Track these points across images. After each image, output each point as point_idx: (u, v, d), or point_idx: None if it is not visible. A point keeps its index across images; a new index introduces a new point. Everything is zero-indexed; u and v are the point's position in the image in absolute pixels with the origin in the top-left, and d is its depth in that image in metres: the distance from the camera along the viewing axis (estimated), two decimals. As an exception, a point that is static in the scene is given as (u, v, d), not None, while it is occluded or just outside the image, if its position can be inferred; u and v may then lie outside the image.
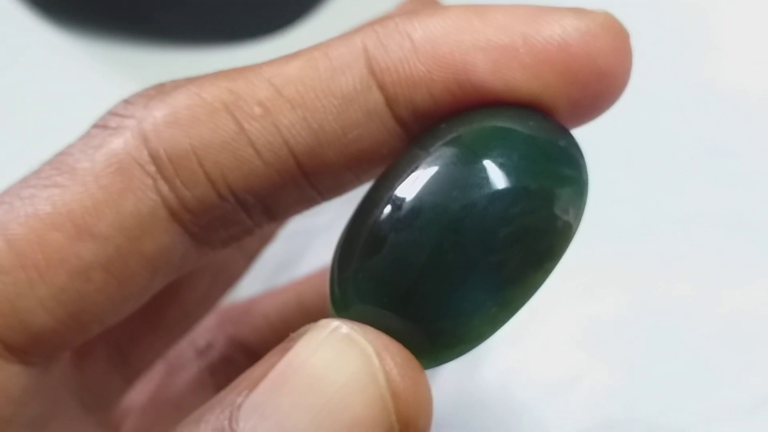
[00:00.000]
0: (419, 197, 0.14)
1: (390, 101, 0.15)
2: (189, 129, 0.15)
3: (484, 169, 0.14)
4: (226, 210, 0.15)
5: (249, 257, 0.22)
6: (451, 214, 0.13)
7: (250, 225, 0.16)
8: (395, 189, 0.14)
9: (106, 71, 0.38)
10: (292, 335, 0.14)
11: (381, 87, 0.15)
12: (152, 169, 0.15)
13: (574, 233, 0.15)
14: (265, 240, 0.22)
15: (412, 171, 0.14)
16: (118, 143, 0.15)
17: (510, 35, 0.14)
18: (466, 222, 0.13)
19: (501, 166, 0.14)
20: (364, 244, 0.14)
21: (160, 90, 0.16)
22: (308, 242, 0.33)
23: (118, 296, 0.15)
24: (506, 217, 0.13)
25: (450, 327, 0.14)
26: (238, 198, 0.15)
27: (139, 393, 0.22)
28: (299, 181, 0.15)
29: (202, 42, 0.39)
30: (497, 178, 0.14)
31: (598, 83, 0.15)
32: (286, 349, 0.14)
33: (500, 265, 0.14)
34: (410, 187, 0.14)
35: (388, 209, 0.14)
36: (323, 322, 0.14)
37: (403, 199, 0.14)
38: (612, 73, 0.15)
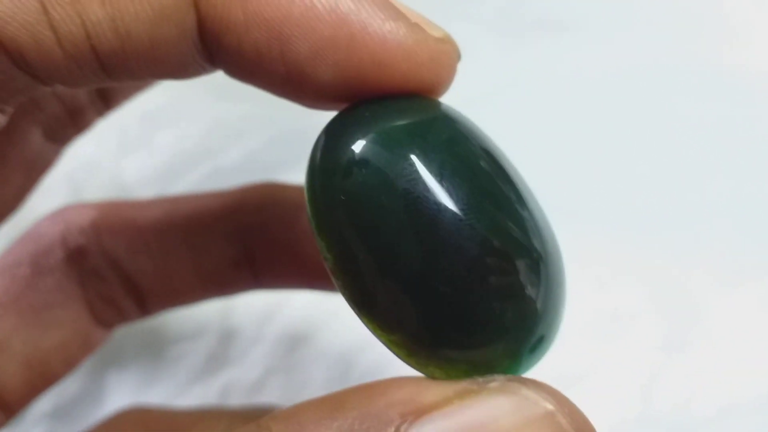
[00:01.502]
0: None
1: (200, 27, 0.15)
2: None
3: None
4: (25, 80, 0.15)
5: (58, 147, 0.22)
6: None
7: (46, 90, 0.16)
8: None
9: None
10: (479, 379, 0.13)
11: (196, 9, 0.15)
12: None
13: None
14: (78, 129, 0.22)
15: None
16: None
17: (338, 29, 0.14)
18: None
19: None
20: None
21: None
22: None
23: None
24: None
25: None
26: (35, 74, 0.15)
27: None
28: (97, 72, 0.15)
29: None
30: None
31: (414, 87, 0.15)
32: (470, 392, 0.13)
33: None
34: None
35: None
36: (532, 394, 0.13)
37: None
38: (432, 86, 0.15)
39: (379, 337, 0.14)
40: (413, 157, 0.13)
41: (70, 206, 0.22)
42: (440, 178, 0.13)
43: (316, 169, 0.14)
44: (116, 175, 0.32)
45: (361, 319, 0.14)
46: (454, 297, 0.13)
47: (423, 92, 0.15)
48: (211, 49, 0.15)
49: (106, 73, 0.15)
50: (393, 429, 0.12)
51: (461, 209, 0.13)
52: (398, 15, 0.14)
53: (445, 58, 0.15)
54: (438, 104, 0.15)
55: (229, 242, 0.21)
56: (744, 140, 0.33)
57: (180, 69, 0.16)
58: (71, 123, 0.21)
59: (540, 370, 0.28)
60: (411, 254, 0.13)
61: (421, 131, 0.14)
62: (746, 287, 0.30)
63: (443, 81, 0.15)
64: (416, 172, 0.13)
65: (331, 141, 0.14)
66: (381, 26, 0.14)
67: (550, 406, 0.13)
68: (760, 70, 0.35)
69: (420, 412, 0.13)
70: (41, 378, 0.21)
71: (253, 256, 0.21)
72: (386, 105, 0.15)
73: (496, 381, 0.13)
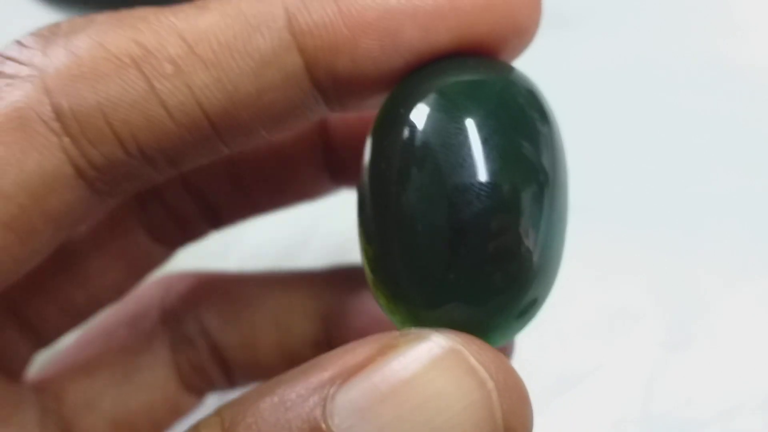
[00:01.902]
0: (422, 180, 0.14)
1: (309, 65, 0.15)
2: (96, 84, 0.14)
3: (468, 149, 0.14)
4: (134, 166, 0.15)
5: (166, 250, 0.22)
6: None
7: (156, 177, 0.16)
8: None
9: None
10: (396, 333, 0.14)
11: (301, 50, 0.14)
12: (57, 125, 0.14)
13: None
14: (187, 237, 0.22)
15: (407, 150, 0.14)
16: (19, 96, 0.14)
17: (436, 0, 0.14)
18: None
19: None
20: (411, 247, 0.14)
21: (56, 32, 0.15)
22: (313, 227, 0.32)
23: (21, 253, 0.15)
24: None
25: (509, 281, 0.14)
26: (146, 155, 0.15)
27: (90, 349, 0.21)
28: (210, 138, 0.15)
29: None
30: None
31: (515, 37, 0.15)
32: (390, 347, 0.13)
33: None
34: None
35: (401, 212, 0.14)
36: (437, 336, 0.13)
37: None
38: (527, 28, 0.15)
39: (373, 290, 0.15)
40: (460, 118, 0.14)
41: (173, 274, 0.22)
42: (476, 140, 0.14)
43: (381, 110, 0.15)
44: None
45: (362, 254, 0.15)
46: (448, 249, 0.14)
47: (523, 29, 0.15)
48: (325, 83, 0.15)
49: (219, 137, 0.15)
50: (323, 394, 0.13)
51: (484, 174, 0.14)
52: None
53: None
54: (504, 66, 0.15)
55: (311, 323, 0.21)
56: (748, 136, 0.33)
57: (290, 115, 0.15)
58: (177, 229, 0.21)
59: (541, 367, 0.28)
60: (417, 199, 0.14)
61: (479, 94, 0.14)
62: (749, 285, 0.29)
63: (538, 9, 0.15)
64: (458, 130, 0.14)
65: (399, 90, 0.15)
66: None
67: (458, 345, 0.13)
68: (763, 66, 0.35)
69: (347, 374, 0.13)
70: None
71: (331, 340, 0.21)
72: (455, 65, 0.15)
73: (412, 333, 0.14)
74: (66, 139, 0.14)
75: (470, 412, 0.13)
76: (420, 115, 0.14)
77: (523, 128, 0.14)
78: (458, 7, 0.14)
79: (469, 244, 0.14)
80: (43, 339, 0.20)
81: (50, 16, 0.39)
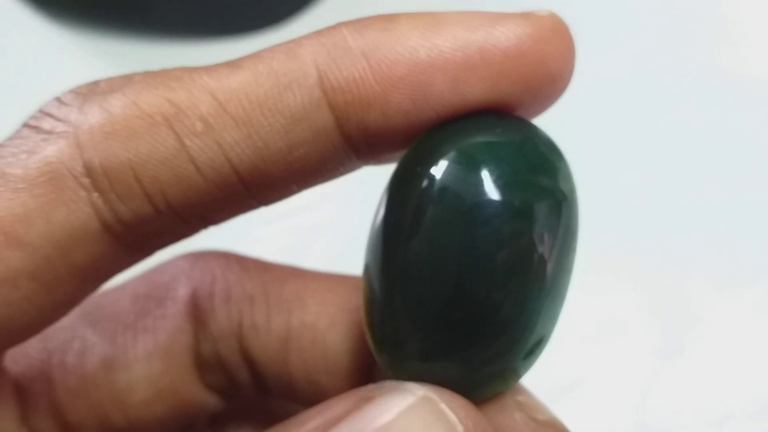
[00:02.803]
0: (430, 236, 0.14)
1: (340, 121, 0.15)
2: (127, 141, 0.14)
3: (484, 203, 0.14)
4: (163, 222, 0.15)
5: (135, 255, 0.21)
6: (460, 249, 0.14)
7: (186, 232, 0.16)
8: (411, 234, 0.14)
9: (101, 64, 0.38)
10: (372, 386, 0.14)
11: (332, 106, 0.15)
12: (86, 180, 0.14)
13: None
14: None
15: (418, 210, 0.14)
16: (52, 150, 0.14)
17: (466, 50, 0.14)
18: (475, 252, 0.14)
19: (499, 187, 0.14)
20: (397, 298, 0.14)
21: (95, 90, 0.15)
22: (312, 239, 0.32)
23: (46, 304, 0.15)
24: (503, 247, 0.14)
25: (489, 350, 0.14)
26: (175, 211, 0.15)
27: None
28: (240, 194, 0.15)
29: (198, 35, 0.39)
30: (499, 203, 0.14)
31: (549, 86, 0.15)
32: (366, 399, 0.14)
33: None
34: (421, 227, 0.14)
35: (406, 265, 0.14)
36: (411, 385, 0.14)
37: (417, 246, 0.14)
38: (561, 75, 0.15)
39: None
40: (477, 175, 0.14)
41: (203, 251, 0.21)
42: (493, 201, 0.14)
43: (403, 160, 0.15)
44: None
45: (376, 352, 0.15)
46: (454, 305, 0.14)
47: (557, 76, 0.15)
48: (356, 138, 0.15)
49: (249, 192, 0.15)
50: None
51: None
52: (503, 15, 0.15)
53: (564, 31, 0.15)
54: (519, 123, 0.15)
55: (351, 339, 0.20)
56: (739, 146, 0.33)
57: (321, 170, 0.15)
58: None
59: (533, 377, 0.28)
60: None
61: (499, 154, 0.14)
62: (742, 293, 0.30)
63: (570, 54, 0.15)
64: (476, 187, 0.14)
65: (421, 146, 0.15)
66: (504, 28, 0.15)
67: (429, 394, 0.14)
68: (757, 76, 0.35)
69: (325, 428, 0.14)
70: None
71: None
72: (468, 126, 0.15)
73: (387, 385, 0.14)
74: (95, 194, 0.14)
75: None
76: (438, 172, 0.14)
77: (541, 174, 0.14)
78: (489, 58, 0.14)
79: (475, 293, 0.14)
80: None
81: (42, 25, 0.39)
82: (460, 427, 0.14)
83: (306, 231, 0.33)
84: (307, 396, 0.18)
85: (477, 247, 0.13)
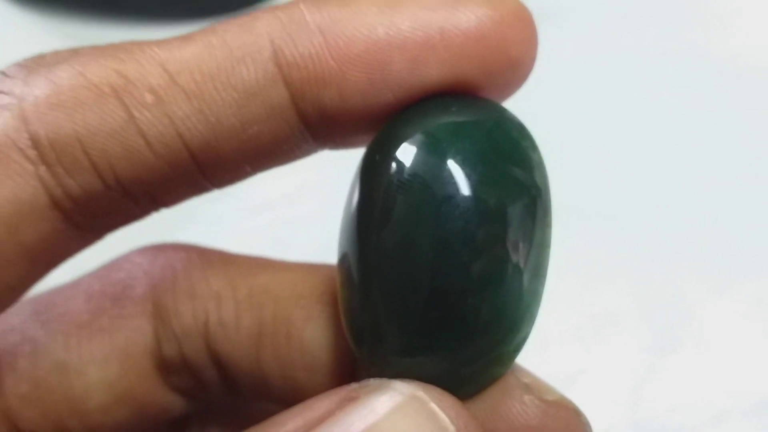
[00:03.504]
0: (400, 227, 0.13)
1: (296, 98, 0.14)
2: (74, 113, 0.14)
3: (451, 188, 0.13)
4: (112, 199, 0.15)
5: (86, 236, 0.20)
6: (429, 243, 0.13)
7: (137, 212, 0.15)
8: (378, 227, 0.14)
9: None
10: (354, 385, 0.14)
11: (287, 83, 0.14)
12: (33, 153, 0.14)
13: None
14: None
15: (386, 201, 0.14)
16: None
17: (426, 30, 0.14)
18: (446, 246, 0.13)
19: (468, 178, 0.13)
20: (375, 292, 0.14)
21: (40, 62, 0.15)
22: (293, 233, 0.32)
23: None
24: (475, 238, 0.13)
25: (474, 347, 0.14)
26: (125, 188, 0.14)
27: None
28: (192, 172, 0.15)
29: (170, 17, 0.38)
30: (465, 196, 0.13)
31: (509, 71, 0.15)
32: (350, 399, 0.13)
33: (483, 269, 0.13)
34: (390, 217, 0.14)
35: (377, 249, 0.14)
36: (398, 384, 0.14)
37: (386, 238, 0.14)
38: (522, 61, 0.15)
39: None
40: (449, 163, 0.13)
41: (163, 244, 0.20)
42: (464, 184, 0.13)
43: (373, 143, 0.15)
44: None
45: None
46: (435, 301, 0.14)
47: (518, 60, 0.15)
48: (312, 117, 0.15)
49: (201, 171, 0.15)
50: None
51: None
52: None
53: (526, 16, 0.15)
54: (489, 106, 0.15)
55: (334, 335, 0.19)
56: (733, 137, 0.33)
57: (276, 150, 0.15)
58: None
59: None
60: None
61: (463, 134, 0.14)
62: (735, 289, 0.29)
63: (533, 39, 0.15)
64: (448, 178, 0.13)
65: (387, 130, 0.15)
66: (465, 10, 0.14)
67: (418, 392, 0.13)
68: (747, 62, 0.35)
69: (308, 428, 0.13)
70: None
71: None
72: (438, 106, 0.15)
73: (372, 384, 0.14)
74: (42, 168, 0.14)
75: None
76: (406, 157, 0.14)
77: (514, 164, 0.14)
78: (449, 39, 0.14)
79: (452, 294, 0.13)
80: None
81: (21, 16, 0.38)
82: (451, 428, 0.13)
83: (289, 223, 0.32)
84: (283, 394, 0.18)
85: (450, 246, 0.13)
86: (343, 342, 0.17)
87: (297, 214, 0.32)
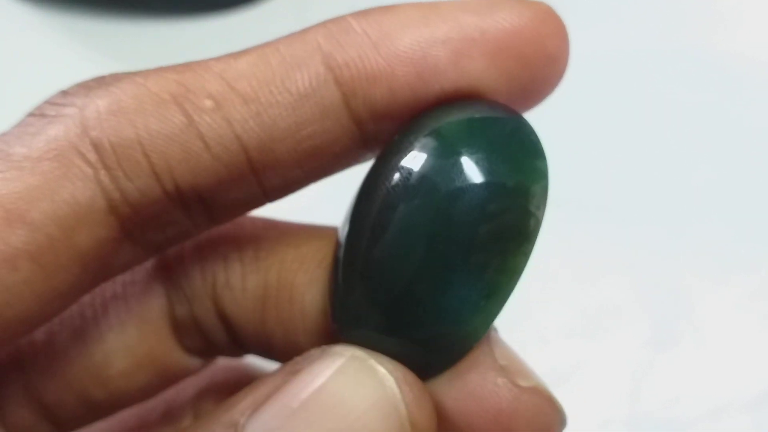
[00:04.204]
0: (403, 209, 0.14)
1: (348, 97, 0.15)
2: (135, 118, 0.14)
3: (463, 168, 0.14)
4: (168, 208, 0.15)
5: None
6: (433, 219, 0.14)
7: (188, 226, 0.16)
8: (379, 207, 0.14)
9: (76, 45, 0.37)
10: (298, 359, 0.15)
11: (339, 83, 0.15)
12: (93, 157, 0.14)
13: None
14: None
15: (392, 177, 0.14)
16: (58, 130, 0.14)
17: (466, 28, 0.15)
18: (449, 224, 0.14)
19: (479, 163, 0.14)
20: (358, 267, 0.14)
21: (101, 81, 0.15)
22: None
23: (45, 291, 0.14)
24: (486, 215, 0.14)
25: (445, 331, 0.14)
26: (181, 193, 0.15)
27: None
28: (247, 177, 0.15)
29: (175, 13, 0.38)
30: (476, 176, 0.14)
31: (547, 66, 0.15)
32: (294, 372, 0.14)
33: (482, 263, 0.14)
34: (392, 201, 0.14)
35: (372, 233, 0.14)
36: (338, 348, 0.14)
37: (387, 219, 0.14)
38: (558, 56, 0.15)
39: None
40: (459, 158, 0.14)
41: None
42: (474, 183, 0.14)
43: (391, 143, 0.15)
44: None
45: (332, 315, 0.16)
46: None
47: (553, 57, 0.16)
48: (365, 117, 0.15)
49: (256, 175, 0.15)
50: (233, 429, 0.14)
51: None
52: (498, 0, 0.15)
53: (556, 17, 0.16)
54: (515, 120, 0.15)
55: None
56: (731, 131, 0.33)
57: (329, 152, 0.15)
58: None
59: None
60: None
61: (483, 135, 0.14)
62: (734, 283, 0.29)
63: (565, 37, 0.16)
64: (452, 178, 0.14)
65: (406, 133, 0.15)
66: (502, 12, 0.15)
67: (356, 352, 0.14)
68: (749, 56, 0.35)
69: (257, 405, 0.14)
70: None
71: None
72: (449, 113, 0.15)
73: (313, 353, 0.15)
74: (102, 172, 0.14)
75: (375, 411, 0.14)
76: (418, 154, 0.14)
77: (521, 167, 0.14)
78: (490, 35, 0.15)
79: (434, 289, 0.14)
80: (63, 425, 0.19)
81: (32, 15, 0.38)
82: (390, 380, 0.14)
83: (288, 217, 0.32)
84: (286, 356, 0.17)
85: (448, 247, 0.14)
86: None
87: (296, 207, 0.32)
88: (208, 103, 0.14)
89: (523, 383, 0.16)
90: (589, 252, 0.30)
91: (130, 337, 0.18)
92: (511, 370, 0.16)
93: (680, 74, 0.35)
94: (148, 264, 0.19)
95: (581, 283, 0.29)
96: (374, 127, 0.15)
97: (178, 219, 0.15)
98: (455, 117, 0.15)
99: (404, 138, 0.15)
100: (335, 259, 0.15)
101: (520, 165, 0.14)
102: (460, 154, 0.14)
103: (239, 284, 0.18)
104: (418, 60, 0.15)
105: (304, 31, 0.15)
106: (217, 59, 0.15)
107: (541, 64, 0.15)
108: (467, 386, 0.15)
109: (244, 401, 0.14)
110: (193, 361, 0.19)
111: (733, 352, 0.28)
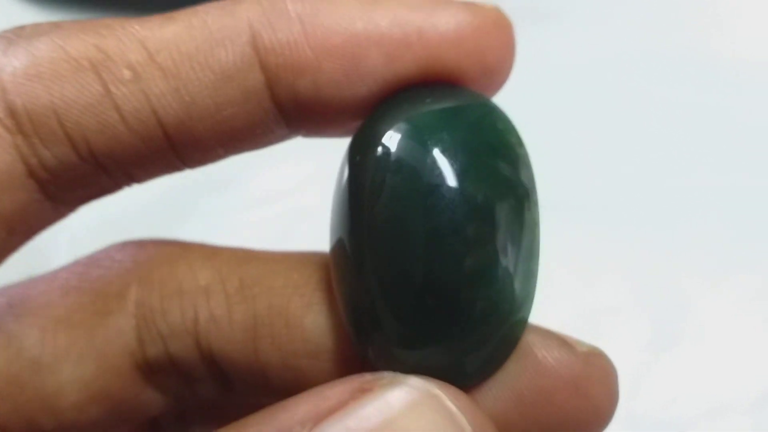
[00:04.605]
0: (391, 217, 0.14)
1: (271, 83, 0.15)
2: (51, 85, 0.14)
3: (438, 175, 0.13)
4: (86, 171, 0.15)
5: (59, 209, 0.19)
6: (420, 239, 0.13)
7: (111, 186, 0.16)
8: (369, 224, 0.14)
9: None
10: (368, 377, 0.14)
11: (263, 67, 0.14)
12: (10, 122, 0.14)
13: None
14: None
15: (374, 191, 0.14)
16: None
17: (405, 28, 0.14)
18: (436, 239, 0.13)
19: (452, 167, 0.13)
20: (371, 280, 0.14)
21: (20, 34, 0.15)
22: (293, 226, 0.32)
23: None
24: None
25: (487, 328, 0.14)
26: (99, 161, 0.15)
27: None
28: (164, 150, 0.15)
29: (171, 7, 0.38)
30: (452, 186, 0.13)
31: (484, 77, 0.15)
32: (363, 391, 0.13)
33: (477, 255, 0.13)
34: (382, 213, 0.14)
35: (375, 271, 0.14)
36: (414, 380, 0.13)
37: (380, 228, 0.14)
38: (498, 69, 0.15)
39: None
40: (436, 152, 0.13)
41: (145, 240, 0.19)
42: (450, 174, 0.13)
43: (354, 140, 0.15)
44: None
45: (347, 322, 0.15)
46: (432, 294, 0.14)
47: (495, 67, 0.15)
48: (286, 104, 0.15)
49: (175, 151, 0.15)
50: None
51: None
52: (446, 0, 0.15)
53: (505, 25, 0.15)
54: (475, 95, 0.15)
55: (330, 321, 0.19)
56: (729, 132, 0.33)
57: (250, 134, 0.15)
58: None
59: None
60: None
61: (450, 122, 0.14)
62: (733, 284, 0.29)
63: (510, 48, 0.15)
64: (435, 167, 0.13)
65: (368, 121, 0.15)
66: (445, 13, 0.15)
67: (436, 391, 0.13)
68: (747, 58, 0.35)
69: (318, 418, 0.13)
70: None
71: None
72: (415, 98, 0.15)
73: (386, 377, 0.14)
74: (19, 137, 0.14)
75: None
76: (391, 147, 0.14)
77: (501, 155, 0.14)
78: (427, 39, 0.14)
79: (446, 281, 0.13)
80: None
81: (32, 15, 0.38)
82: (468, 429, 0.13)
83: (289, 217, 0.32)
84: (283, 385, 0.17)
85: (438, 234, 0.13)
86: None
87: (297, 207, 0.32)
88: (127, 73, 0.14)
89: (582, 349, 0.16)
90: (589, 252, 0.30)
91: (88, 370, 0.18)
92: (566, 340, 0.16)
93: (681, 75, 0.35)
94: (118, 297, 0.18)
95: (581, 283, 0.29)
96: (297, 115, 0.15)
97: (97, 180, 0.15)
98: (429, 108, 0.14)
99: (375, 137, 0.14)
100: (342, 273, 0.15)
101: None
102: (437, 151, 0.13)
103: (225, 316, 0.17)
104: (347, 58, 0.14)
105: (235, 3, 0.15)
106: (142, 23, 0.15)
107: (477, 76, 0.15)
108: (521, 378, 0.15)
109: (305, 408, 0.13)
110: (159, 399, 0.19)
111: (732, 352, 0.28)
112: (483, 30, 0.15)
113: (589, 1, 0.38)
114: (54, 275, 0.19)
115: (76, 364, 0.18)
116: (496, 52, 0.15)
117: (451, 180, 0.13)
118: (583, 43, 0.36)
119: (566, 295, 0.29)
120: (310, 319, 0.17)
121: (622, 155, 0.33)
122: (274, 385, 0.18)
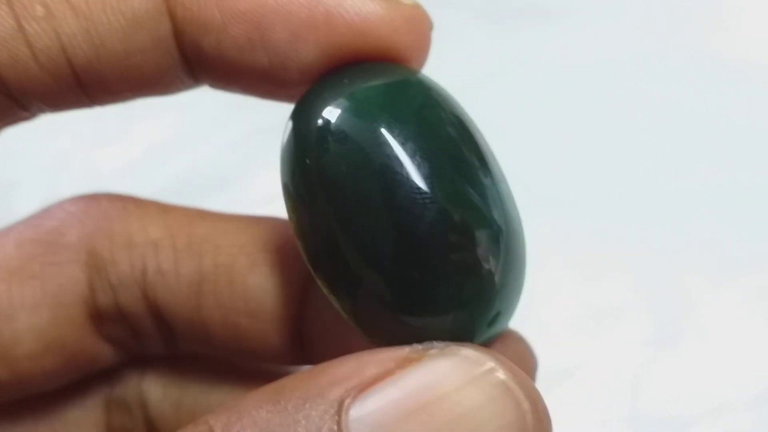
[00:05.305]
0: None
1: (178, 35, 0.15)
2: None
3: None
4: (1, 101, 0.15)
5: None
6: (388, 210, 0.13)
7: (26, 115, 0.16)
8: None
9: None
10: (418, 347, 0.13)
11: (172, 18, 0.15)
12: None
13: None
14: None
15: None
16: None
17: (314, 8, 0.14)
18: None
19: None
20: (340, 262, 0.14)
21: None
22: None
23: None
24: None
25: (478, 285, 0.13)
26: (11, 93, 0.15)
27: None
28: (74, 88, 0.15)
29: None
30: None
31: (396, 61, 0.15)
32: (410, 360, 0.13)
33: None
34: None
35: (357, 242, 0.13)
36: (471, 353, 0.13)
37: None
38: (410, 57, 0.15)
39: (333, 302, 0.14)
40: (382, 125, 0.13)
41: (96, 194, 0.19)
42: (405, 147, 0.13)
43: (289, 133, 0.15)
44: (92, 167, 0.31)
45: (315, 276, 0.15)
46: (412, 270, 0.13)
47: (401, 61, 0.15)
48: (191, 56, 0.15)
49: (83, 90, 0.15)
50: (336, 406, 0.12)
51: (424, 182, 0.13)
52: None
53: (418, 22, 0.15)
54: (409, 69, 0.15)
55: (288, 293, 0.19)
56: (732, 131, 0.33)
57: (158, 81, 0.16)
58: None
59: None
60: (368, 222, 0.13)
61: (391, 95, 0.14)
62: (736, 282, 0.29)
63: (420, 46, 0.15)
64: (383, 139, 0.13)
65: (304, 106, 0.14)
66: (357, 0, 0.15)
67: (491, 363, 0.13)
68: (747, 59, 0.35)
69: (363, 386, 0.13)
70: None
71: (305, 332, 0.19)
72: (358, 70, 0.15)
73: (436, 347, 0.13)
74: None
75: None
76: (332, 120, 0.14)
77: (448, 128, 0.14)
78: (333, 25, 0.14)
79: (430, 257, 0.13)
80: None
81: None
82: (525, 405, 0.13)
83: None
84: (223, 341, 0.18)
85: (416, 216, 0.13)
86: (288, 288, 0.18)
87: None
88: (40, 10, 0.14)
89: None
90: (592, 251, 0.30)
91: (43, 319, 0.18)
92: None
93: (682, 75, 0.35)
94: (71, 247, 0.18)
95: (583, 281, 0.29)
96: (203, 69, 0.15)
97: (11, 110, 0.15)
98: (370, 83, 0.14)
99: (316, 113, 0.14)
100: (312, 242, 0.14)
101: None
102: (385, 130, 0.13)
103: (172, 270, 0.18)
104: (252, 26, 0.15)
105: None
106: None
107: (387, 58, 0.15)
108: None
109: (348, 377, 0.13)
110: (110, 351, 0.19)
111: (734, 351, 0.28)
112: (392, 25, 0.15)
113: (590, 1, 0.37)
114: (8, 229, 0.19)
115: (32, 313, 0.18)
116: (403, 50, 0.15)
117: (398, 154, 0.13)
118: (583, 43, 0.36)
119: (569, 294, 0.29)
120: (253, 279, 0.17)
121: (624, 154, 0.33)
122: (215, 341, 0.18)
